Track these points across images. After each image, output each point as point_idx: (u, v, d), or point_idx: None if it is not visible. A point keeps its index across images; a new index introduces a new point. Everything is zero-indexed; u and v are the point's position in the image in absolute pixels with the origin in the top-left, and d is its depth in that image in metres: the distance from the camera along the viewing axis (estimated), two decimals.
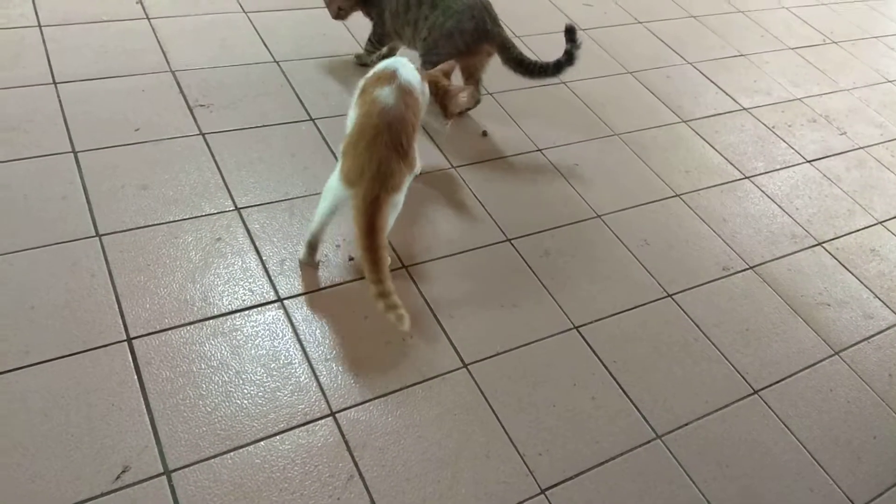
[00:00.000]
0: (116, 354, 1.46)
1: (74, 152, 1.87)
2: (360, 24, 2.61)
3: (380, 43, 2.34)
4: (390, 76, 1.63)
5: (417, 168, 1.95)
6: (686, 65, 2.94)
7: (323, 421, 1.45)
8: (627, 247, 2.02)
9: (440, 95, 1.88)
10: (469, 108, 2.30)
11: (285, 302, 1.65)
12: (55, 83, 2.06)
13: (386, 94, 1.59)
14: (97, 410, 1.37)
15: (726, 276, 2.02)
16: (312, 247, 1.69)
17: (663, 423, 1.61)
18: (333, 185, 1.60)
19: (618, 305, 1.85)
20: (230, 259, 1.71)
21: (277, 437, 1.41)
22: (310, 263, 1.71)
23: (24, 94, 2.00)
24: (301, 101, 2.22)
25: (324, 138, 2.10)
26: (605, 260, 1.98)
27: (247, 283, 1.67)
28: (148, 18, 2.39)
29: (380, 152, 1.53)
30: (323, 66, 2.39)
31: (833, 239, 2.25)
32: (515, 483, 1.44)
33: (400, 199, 1.60)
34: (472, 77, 2.25)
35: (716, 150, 2.51)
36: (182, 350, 1.50)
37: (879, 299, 2.08)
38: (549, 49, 2.76)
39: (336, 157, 2.04)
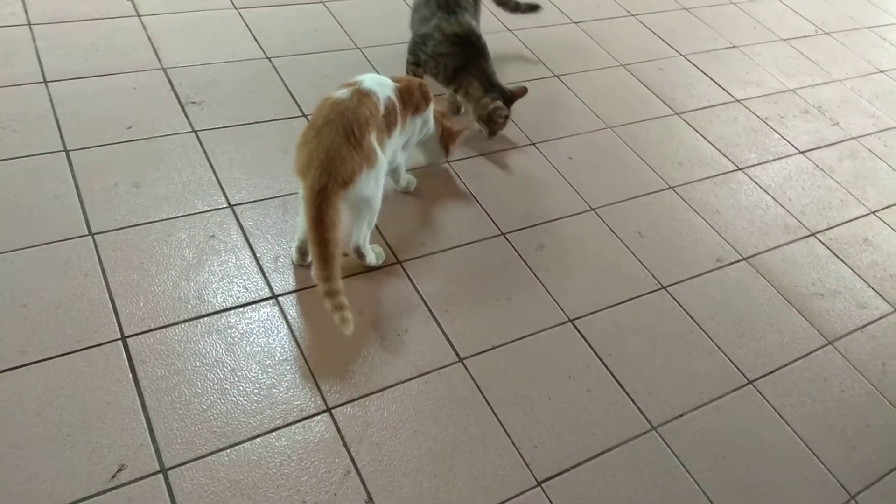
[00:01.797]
0: (111, 353, 1.46)
1: (66, 151, 1.86)
2: (355, 21, 2.61)
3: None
4: (352, 83, 1.62)
5: (404, 181, 1.96)
6: (679, 57, 2.94)
7: (319, 417, 1.45)
8: (621, 239, 2.03)
9: (444, 136, 1.96)
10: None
11: (280, 298, 1.65)
12: (46, 82, 2.05)
13: (342, 92, 1.59)
14: (92, 409, 1.37)
15: (720, 268, 2.03)
16: (302, 251, 1.69)
17: (658, 415, 1.62)
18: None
19: (612, 298, 1.85)
20: (224, 256, 1.71)
21: (273, 433, 1.41)
22: (301, 265, 1.71)
23: (14, 93, 1.99)
24: (293, 97, 2.22)
25: None
26: (600, 253, 1.98)
27: (241, 281, 1.67)
28: (138, 16, 2.38)
29: (329, 139, 1.49)
30: (315, 61, 2.39)
31: (826, 229, 2.26)
32: (512, 476, 1.44)
33: (364, 194, 1.56)
34: None
35: (709, 141, 2.51)
36: (177, 348, 1.50)
37: (872, 289, 2.09)
38: (542, 43, 2.77)
39: None
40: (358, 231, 1.67)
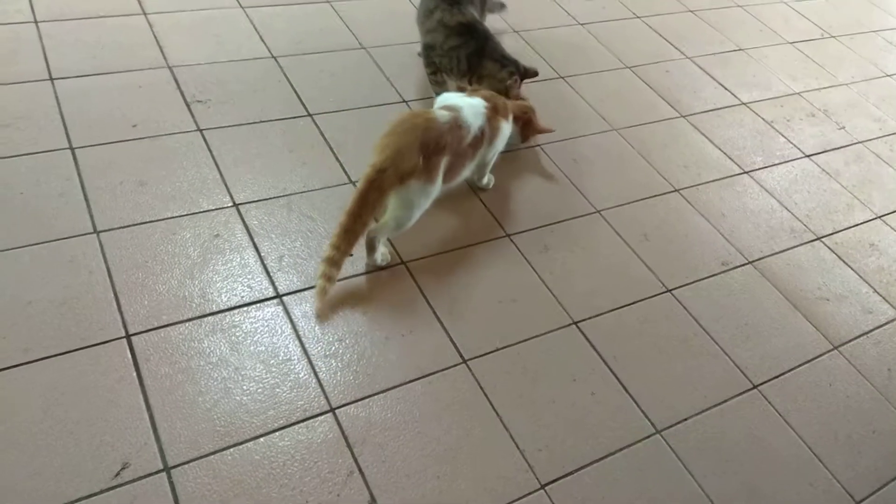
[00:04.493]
0: (115, 351, 1.46)
1: (72, 149, 1.86)
2: (360, 21, 2.61)
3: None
4: (454, 109, 1.77)
5: (486, 179, 2.05)
6: (685, 59, 2.93)
7: (322, 417, 1.45)
8: (627, 242, 2.02)
9: (524, 126, 2.10)
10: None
11: (284, 298, 1.65)
12: (52, 79, 2.05)
13: (443, 114, 1.73)
14: (96, 407, 1.37)
15: (725, 271, 2.02)
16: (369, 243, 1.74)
17: (663, 419, 1.61)
18: None
19: (617, 301, 1.85)
20: (228, 255, 1.71)
21: (277, 433, 1.40)
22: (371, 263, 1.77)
23: (20, 91, 1.99)
24: (299, 96, 2.21)
25: (322, 134, 2.10)
26: (605, 255, 1.97)
27: (245, 280, 1.66)
28: (144, 14, 2.38)
29: (408, 139, 1.64)
30: (320, 61, 2.38)
31: (832, 234, 2.25)
32: (515, 478, 1.44)
33: (409, 197, 1.66)
34: None
35: (714, 144, 2.50)
36: (181, 346, 1.50)
37: (878, 294, 2.08)
38: (548, 45, 2.77)
39: (334, 153, 2.04)
40: (384, 222, 1.71)
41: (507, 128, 1.96)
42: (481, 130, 1.81)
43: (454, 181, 1.81)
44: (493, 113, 1.88)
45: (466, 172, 1.87)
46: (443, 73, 2.25)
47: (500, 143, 1.96)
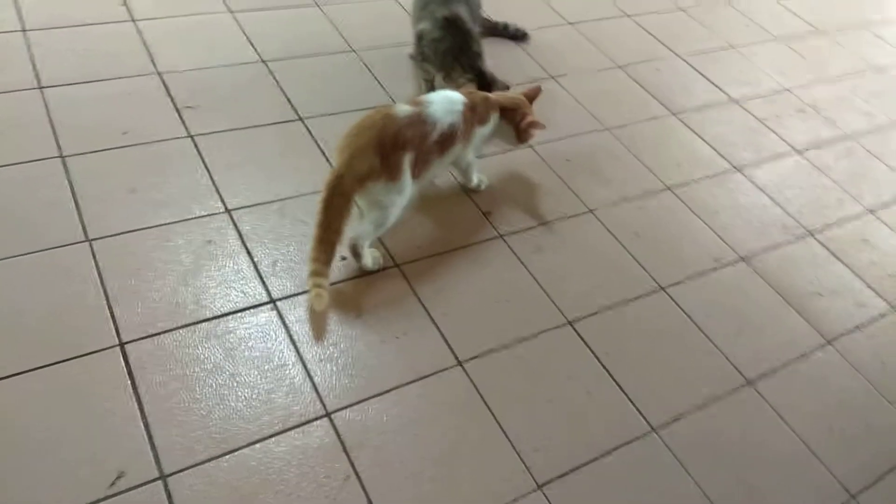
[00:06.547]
0: (109, 359, 1.46)
1: (62, 157, 1.85)
2: (350, 24, 2.60)
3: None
4: (420, 103, 1.73)
5: (476, 180, 2.03)
6: (675, 58, 2.94)
7: (318, 422, 1.45)
8: (619, 240, 2.03)
9: (514, 117, 1.96)
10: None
11: (278, 303, 1.64)
12: (41, 87, 2.04)
13: (404, 109, 1.69)
14: (91, 416, 1.36)
15: (718, 268, 2.03)
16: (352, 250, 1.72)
17: (658, 416, 1.62)
18: None
19: (611, 299, 1.85)
20: (222, 261, 1.70)
21: (273, 439, 1.40)
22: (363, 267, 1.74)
23: (9, 99, 1.98)
24: (289, 100, 2.21)
25: (313, 138, 2.09)
26: (598, 254, 1.98)
27: (239, 285, 1.66)
28: (133, 21, 2.37)
29: (363, 140, 1.62)
30: (311, 65, 2.38)
31: (824, 229, 2.26)
32: (512, 479, 1.44)
33: (376, 198, 1.65)
34: None
35: (706, 142, 2.51)
36: (175, 354, 1.50)
37: (871, 288, 2.09)
38: (538, 45, 2.77)
39: (326, 157, 2.04)
40: (361, 227, 1.69)
41: (483, 129, 1.90)
42: (452, 127, 1.75)
43: (423, 178, 1.76)
44: (470, 112, 1.82)
45: (437, 170, 1.82)
46: (428, 63, 2.26)
47: (477, 142, 1.91)
